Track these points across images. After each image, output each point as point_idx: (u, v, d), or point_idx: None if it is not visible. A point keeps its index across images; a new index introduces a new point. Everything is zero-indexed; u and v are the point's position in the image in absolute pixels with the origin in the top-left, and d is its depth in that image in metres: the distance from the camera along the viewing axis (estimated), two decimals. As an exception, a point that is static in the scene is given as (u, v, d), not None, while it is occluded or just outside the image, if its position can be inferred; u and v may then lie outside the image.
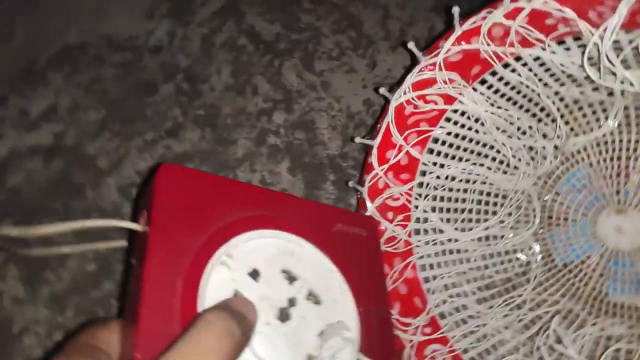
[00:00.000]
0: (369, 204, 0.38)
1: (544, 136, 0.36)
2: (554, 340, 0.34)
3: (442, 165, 0.38)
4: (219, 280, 0.25)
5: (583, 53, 0.28)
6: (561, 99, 0.35)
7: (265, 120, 0.53)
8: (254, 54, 0.60)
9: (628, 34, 0.28)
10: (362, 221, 0.34)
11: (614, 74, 0.28)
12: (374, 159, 0.37)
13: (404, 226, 0.38)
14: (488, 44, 0.31)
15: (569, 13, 0.27)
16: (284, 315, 0.27)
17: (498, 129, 0.37)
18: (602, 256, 0.36)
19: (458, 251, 0.39)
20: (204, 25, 0.62)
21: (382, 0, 0.66)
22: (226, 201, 0.28)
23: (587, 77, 0.30)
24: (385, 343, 0.30)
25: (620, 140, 0.35)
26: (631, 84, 0.26)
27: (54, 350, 0.38)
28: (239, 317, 0.22)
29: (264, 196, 0.31)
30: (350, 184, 0.42)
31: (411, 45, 0.35)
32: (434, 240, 0.39)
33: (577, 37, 0.30)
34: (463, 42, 0.32)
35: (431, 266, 0.38)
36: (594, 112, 0.35)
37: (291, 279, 0.28)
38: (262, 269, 0.27)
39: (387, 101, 0.37)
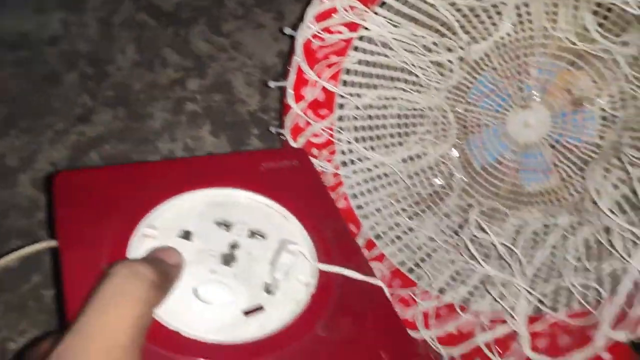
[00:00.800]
0: (292, 144, 0.38)
1: (449, 50, 0.38)
2: (479, 232, 0.36)
3: (358, 95, 0.39)
4: (146, 252, 0.25)
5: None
6: (458, 10, 0.36)
7: (179, 89, 0.52)
8: (157, 27, 0.58)
9: None
10: (288, 154, 0.35)
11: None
12: (290, 98, 0.37)
13: (330, 160, 0.39)
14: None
15: None
16: (229, 260, 0.27)
17: (405, 50, 0.37)
18: (514, 152, 0.38)
19: (385, 175, 0.40)
20: (98, 10, 0.59)
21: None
22: (132, 184, 0.29)
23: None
24: (345, 247, 0.31)
25: (517, 40, 0.36)
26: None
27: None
28: (151, 260, 0.22)
29: (172, 166, 0.32)
30: (272, 129, 0.42)
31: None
32: (361, 169, 0.40)
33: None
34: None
35: (362, 194, 0.39)
36: (489, 17, 0.36)
37: (227, 226, 0.29)
38: (192, 228, 0.28)
39: (293, 39, 0.37)
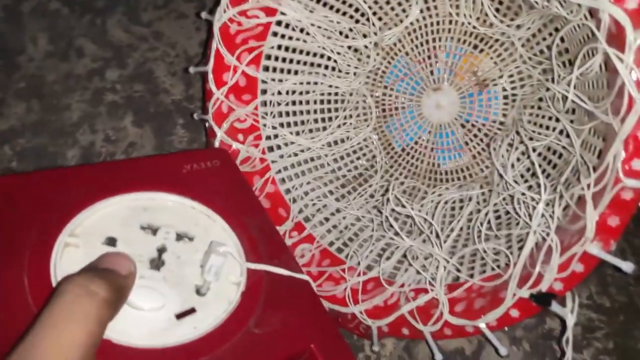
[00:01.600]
0: (216, 129, 0.37)
1: (364, 35, 0.39)
2: (402, 215, 0.38)
3: (280, 81, 0.39)
4: (71, 262, 0.24)
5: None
6: (371, -3, 0.38)
7: (97, 79, 0.50)
8: (71, 16, 0.55)
9: None
10: (211, 154, 0.34)
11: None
12: (211, 83, 0.37)
13: (256, 146, 0.39)
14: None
15: None
16: (158, 264, 0.27)
17: (322, 35, 0.38)
18: (430, 133, 0.40)
19: (312, 159, 0.41)
20: (4, -5, 0.55)
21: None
22: (52, 191, 0.27)
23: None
24: (272, 245, 0.31)
25: (425, 26, 0.38)
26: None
27: None
28: (101, 274, 0.21)
29: (94, 171, 0.30)
30: (195, 115, 0.41)
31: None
32: (287, 154, 0.40)
33: None
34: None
35: (289, 178, 0.40)
36: (399, 4, 0.38)
37: (154, 230, 0.28)
38: (116, 233, 0.27)
39: (211, 24, 0.37)
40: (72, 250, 0.25)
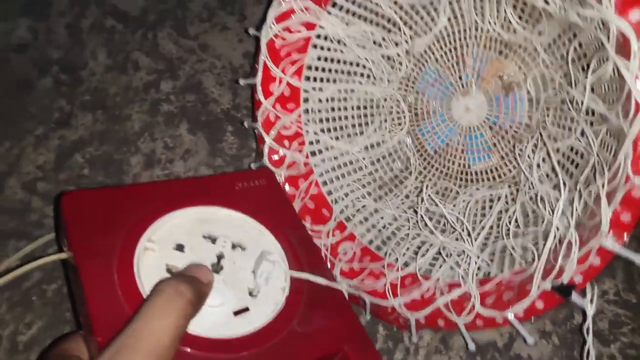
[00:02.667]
0: (265, 137, 0.42)
1: (396, 44, 0.42)
2: (436, 214, 0.41)
3: (320, 89, 0.43)
4: (149, 263, 0.29)
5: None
6: (400, 7, 0.41)
7: (153, 91, 0.55)
8: (125, 31, 0.60)
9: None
10: (257, 174, 0.39)
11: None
12: (259, 94, 0.41)
13: (301, 150, 0.43)
14: (328, -28, 0.36)
15: None
16: (217, 268, 0.31)
17: (358, 45, 0.42)
18: (460, 135, 0.43)
19: (350, 162, 0.45)
20: (65, 15, 0.61)
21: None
22: (131, 203, 0.32)
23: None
24: (311, 256, 0.35)
25: (453, 33, 0.41)
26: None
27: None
28: (189, 279, 0.26)
29: (164, 187, 0.36)
30: (245, 123, 0.45)
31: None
32: (328, 158, 0.44)
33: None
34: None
35: (331, 180, 0.44)
36: (428, 13, 0.41)
37: (213, 239, 0.33)
38: (184, 241, 0.32)
39: (258, 39, 0.41)
40: (149, 253, 0.30)
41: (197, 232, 0.33)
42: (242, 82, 0.42)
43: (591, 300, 0.28)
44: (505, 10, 0.36)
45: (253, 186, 0.38)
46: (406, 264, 0.39)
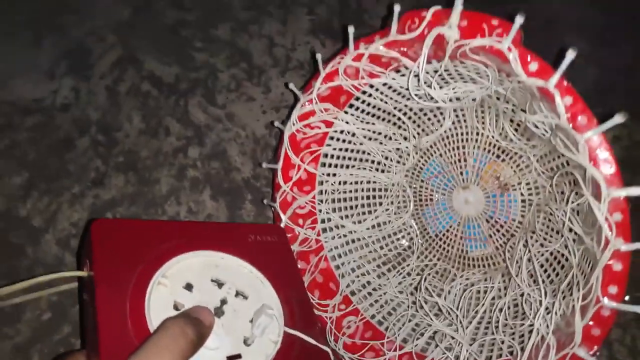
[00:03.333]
0: (282, 216, 0.46)
1: (405, 139, 0.47)
2: (435, 293, 0.45)
3: (334, 174, 0.48)
4: (159, 297, 0.33)
5: (417, 77, 0.38)
6: (410, 109, 0.46)
7: (181, 156, 0.60)
8: (159, 97, 0.66)
9: (438, 62, 0.38)
10: (270, 230, 0.43)
11: (442, 88, 0.39)
12: (280, 179, 0.46)
13: (313, 228, 0.47)
14: (346, 80, 0.41)
15: (394, 54, 0.37)
16: (219, 313, 0.34)
17: (370, 139, 0.47)
18: (459, 224, 0.48)
19: (358, 239, 0.49)
20: (105, 77, 0.67)
21: (265, 31, 0.74)
22: (152, 237, 0.35)
23: (424, 92, 0.40)
24: (306, 316, 0.38)
25: (456, 134, 0.46)
26: (432, 98, 0.37)
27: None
28: (194, 321, 0.29)
29: (184, 227, 0.40)
30: (265, 202, 0.50)
31: (292, 86, 0.44)
32: (338, 235, 0.48)
33: (406, 67, 0.40)
34: (328, 82, 0.41)
35: (339, 255, 0.48)
36: (435, 116, 0.46)
37: (220, 284, 0.36)
38: (194, 281, 0.35)
39: (282, 131, 0.46)
40: (161, 288, 0.33)
41: (207, 275, 0.36)
42: (264, 165, 0.47)
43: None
44: (502, 123, 0.41)
45: (264, 240, 0.41)
46: (404, 341, 0.43)
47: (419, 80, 0.35)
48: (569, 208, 0.33)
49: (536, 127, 0.35)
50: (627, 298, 0.29)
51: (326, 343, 0.38)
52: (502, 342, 0.38)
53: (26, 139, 0.61)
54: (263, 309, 0.35)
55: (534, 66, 0.30)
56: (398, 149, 0.48)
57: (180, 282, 0.34)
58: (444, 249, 0.48)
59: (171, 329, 0.28)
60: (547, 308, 0.34)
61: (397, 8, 0.35)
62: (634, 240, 0.29)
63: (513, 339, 0.38)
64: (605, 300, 0.29)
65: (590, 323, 0.30)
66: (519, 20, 0.30)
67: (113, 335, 0.29)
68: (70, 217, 0.55)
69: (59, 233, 0.54)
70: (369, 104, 0.45)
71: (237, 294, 0.36)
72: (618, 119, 0.28)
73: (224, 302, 0.35)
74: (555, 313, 0.33)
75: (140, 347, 0.27)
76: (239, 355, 0.33)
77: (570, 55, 0.29)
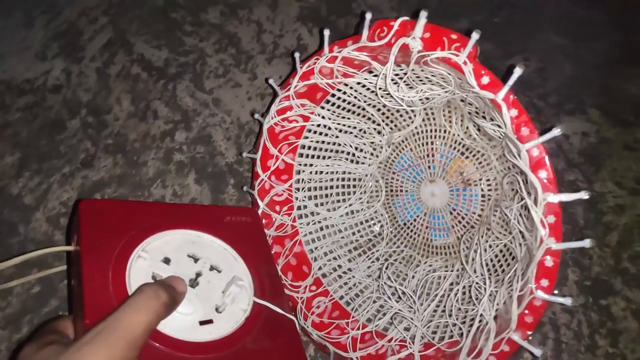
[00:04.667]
0: (260, 202, 0.50)
1: (379, 133, 0.50)
2: (400, 277, 0.49)
3: (311, 165, 0.51)
4: (139, 268, 0.37)
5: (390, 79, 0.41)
6: (384, 105, 0.49)
7: (168, 140, 0.63)
8: (149, 80, 0.68)
9: (401, 66, 0.41)
10: (245, 212, 0.47)
11: (411, 88, 0.42)
12: (258, 168, 0.49)
13: (289, 214, 0.51)
14: (321, 79, 0.44)
15: (364, 58, 0.40)
16: (194, 284, 0.39)
17: (345, 132, 0.50)
18: (425, 214, 0.51)
19: (332, 226, 0.53)
20: (96, 59, 0.69)
21: (254, 16, 0.77)
22: (135, 216, 0.40)
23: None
24: (274, 289, 0.43)
25: (425, 131, 0.49)
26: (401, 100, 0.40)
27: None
28: (167, 287, 0.34)
29: (165, 208, 0.44)
30: (245, 188, 0.53)
31: (271, 81, 0.47)
32: (312, 221, 0.52)
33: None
34: (304, 80, 0.44)
35: (313, 240, 0.52)
36: (406, 113, 0.49)
37: (195, 259, 0.40)
38: (172, 256, 0.39)
39: (261, 123, 0.49)
40: (141, 261, 0.38)
41: (184, 251, 0.40)
42: (245, 155, 0.51)
43: (502, 378, 0.36)
44: (467, 123, 0.44)
45: (239, 221, 0.45)
46: (369, 320, 0.47)
47: (387, 83, 0.38)
48: (515, 207, 0.36)
49: (493, 130, 0.38)
50: (556, 291, 0.33)
51: (290, 312, 0.41)
52: (454, 325, 0.42)
53: (19, 119, 0.64)
54: (234, 280, 0.40)
55: (485, 79, 0.33)
56: (372, 143, 0.51)
57: (159, 256, 0.39)
58: (410, 236, 0.52)
59: (146, 292, 0.32)
60: (491, 295, 0.38)
61: (368, 16, 0.38)
62: (565, 239, 0.33)
63: (463, 322, 0.42)
64: (538, 292, 0.33)
65: (526, 311, 0.34)
66: (475, 36, 0.33)
67: (96, 299, 0.33)
68: (60, 197, 0.58)
69: (49, 211, 0.57)
70: (344, 100, 0.48)
71: (212, 268, 0.40)
72: (556, 131, 0.31)
73: (199, 274, 0.39)
74: (498, 302, 0.37)
75: (118, 307, 0.31)
76: (211, 321, 0.37)
77: (518, 72, 0.32)
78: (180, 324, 0.36)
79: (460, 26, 0.78)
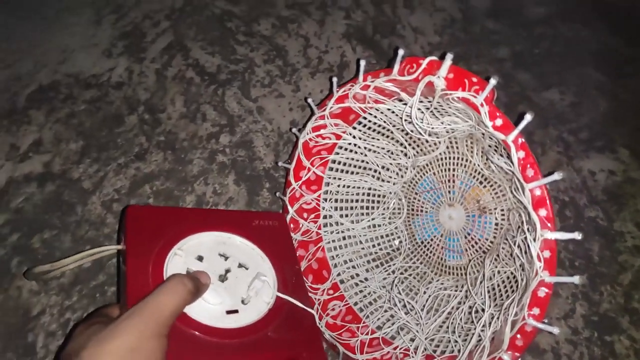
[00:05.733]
0: (289, 208, 0.55)
1: (405, 155, 0.54)
2: (412, 292, 0.53)
3: (339, 179, 0.56)
4: (175, 265, 0.43)
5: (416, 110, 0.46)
6: (412, 130, 0.53)
7: (213, 142, 0.69)
8: (201, 85, 0.75)
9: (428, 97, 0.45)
10: (273, 217, 0.52)
11: (437, 119, 0.46)
12: (291, 177, 0.54)
13: (315, 222, 0.56)
14: (354, 103, 0.48)
15: (394, 89, 0.45)
16: (223, 278, 0.44)
17: (374, 152, 0.54)
18: (442, 235, 0.55)
19: (354, 237, 0.57)
20: (156, 61, 0.76)
21: (303, 30, 0.82)
22: (173, 220, 0.46)
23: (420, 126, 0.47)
24: (296, 286, 0.48)
25: (448, 158, 0.53)
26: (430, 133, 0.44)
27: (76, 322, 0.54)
28: (192, 278, 0.39)
29: (199, 213, 0.51)
30: (277, 194, 0.59)
31: (310, 101, 0.52)
32: (336, 230, 0.56)
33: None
34: (338, 102, 0.49)
35: (335, 248, 0.56)
36: (433, 141, 0.53)
37: (226, 257, 0.46)
38: (204, 254, 0.45)
39: (297, 137, 0.54)
40: (177, 258, 0.43)
41: (216, 250, 0.46)
42: (280, 164, 0.56)
43: (491, 394, 0.40)
44: (486, 155, 0.48)
45: (267, 225, 0.51)
46: (379, 328, 0.52)
47: (413, 115, 0.42)
48: (518, 239, 0.40)
49: (505, 165, 0.42)
50: (545, 320, 0.37)
51: (311, 307, 0.46)
52: (455, 342, 0.46)
53: (84, 111, 0.71)
54: (257, 276, 0.45)
55: (499, 121, 0.37)
56: (398, 164, 0.55)
57: (193, 254, 0.44)
58: (426, 254, 0.56)
59: (173, 280, 0.38)
60: (492, 316, 0.41)
61: (400, 52, 0.43)
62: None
63: (465, 340, 0.46)
64: (529, 319, 0.37)
65: (518, 336, 0.38)
66: (493, 82, 0.37)
67: (137, 290, 0.39)
68: (114, 184, 0.65)
69: (104, 197, 0.64)
70: (374, 123, 0.53)
71: (240, 265, 0.46)
72: (557, 176, 0.34)
73: (228, 271, 0.45)
74: (495, 324, 0.41)
75: (150, 293, 0.37)
76: (236, 311, 0.43)
77: (528, 118, 0.35)
78: (209, 313, 0.41)
79: (500, 54, 0.81)
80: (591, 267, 0.57)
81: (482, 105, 0.38)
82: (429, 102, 0.46)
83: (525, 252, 0.40)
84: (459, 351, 0.45)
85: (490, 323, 0.41)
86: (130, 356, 0.32)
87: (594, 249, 0.59)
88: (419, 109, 0.45)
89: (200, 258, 0.44)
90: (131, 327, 0.33)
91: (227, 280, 0.44)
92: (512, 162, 0.37)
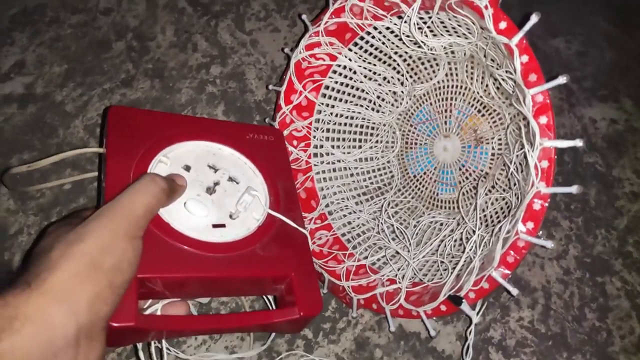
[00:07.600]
0: (279, 134, 0.53)
1: (402, 83, 0.53)
2: (403, 225, 0.51)
3: (332, 106, 0.54)
4: (159, 171, 0.40)
5: (419, 24, 0.44)
6: (410, 56, 0.51)
7: (204, 72, 0.67)
8: (193, 15, 0.72)
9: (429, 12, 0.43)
10: (270, 131, 0.49)
11: (436, 36, 0.44)
12: (281, 101, 0.53)
13: (305, 150, 0.54)
14: (351, 18, 0.46)
15: None
16: (211, 191, 0.42)
17: (369, 78, 0.52)
18: (435, 168, 0.54)
19: (345, 169, 0.56)
20: (148, -11, 0.73)
21: (303, -34, 0.79)
22: (160, 125, 0.43)
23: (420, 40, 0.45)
24: (290, 204, 0.45)
25: (447, 86, 0.51)
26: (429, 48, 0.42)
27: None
28: (167, 178, 0.37)
29: (189, 120, 0.47)
30: (267, 120, 0.57)
31: (304, 17, 0.50)
32: (327, 161, 0.55)
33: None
34: (334, 17, 0.47)
35: (324, 179, 0.55)
36: (431, 66, 0.51)
37: (215, 169, 0.43)
38: (192, 164, 0.43)
39: (289, 56, 0.52)
40: (162, 165, 0.41)
41: (204, 161, 0.43)
42: (270, 87, 0.54)
43: (477, 313, 0.39)
44: (487, 79, 0.46)
45: (262, 139, 0.48)
46: (365, 257, 0.50)
47: (412, 25, 0.40)
48: (514, 157, 0.38)
49: (507, 83, 0.40)
50: (540, 233, 0.35)
51: (304, 226, 0.44)
52: (444, 266, 0.45)
53: (69, 35, 0.69)
54: (248, 190, 0.43)
55: (503, 24, 0.35)
56: (394, 93, 0.53)
57: (179, 163, 0.42)
58: (418, 189, 0.55)
59: (146, 178, 0.36)
60: (482, 238, 0.40)
61: (402, -43, 0.40)
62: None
63: (454, 267, 0.45)
64: (522, 234, 0.36)
65: (510, 252, 0.37)
66: (498, -19, 0.35)
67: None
68: (98, 109, 0.63)
69: (87, 120, 0.62)
70: (371, 45, 0.51)
71: (230, 179, 0.44)
72: (562, 79, 0.33)
73: (216, 183, 0.43)
74: (485, 244, 0.40)
75: (121, 192, 0.35)
76: (223, 225, 0.41)
77: (534, 19, 0.33)
78: (194, 224, 0.39)
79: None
80: (587, 211, 0.56)
81: (486, 7, 0.36)
82: (429, 16, 0.44)
83: (522, 171, 0.38)
84: (441, 276, 0.44)
85: (480, 244, 0.40)
86: (101, 256, 0.30)
87: (590, 193, 0.57)
88: (418, 27, 0.42)
89: (187, 168, 0.42)
90: (101, 227, 0.31)
91: (215, 193, 0.42)
92: (514, 68, 0.35)
